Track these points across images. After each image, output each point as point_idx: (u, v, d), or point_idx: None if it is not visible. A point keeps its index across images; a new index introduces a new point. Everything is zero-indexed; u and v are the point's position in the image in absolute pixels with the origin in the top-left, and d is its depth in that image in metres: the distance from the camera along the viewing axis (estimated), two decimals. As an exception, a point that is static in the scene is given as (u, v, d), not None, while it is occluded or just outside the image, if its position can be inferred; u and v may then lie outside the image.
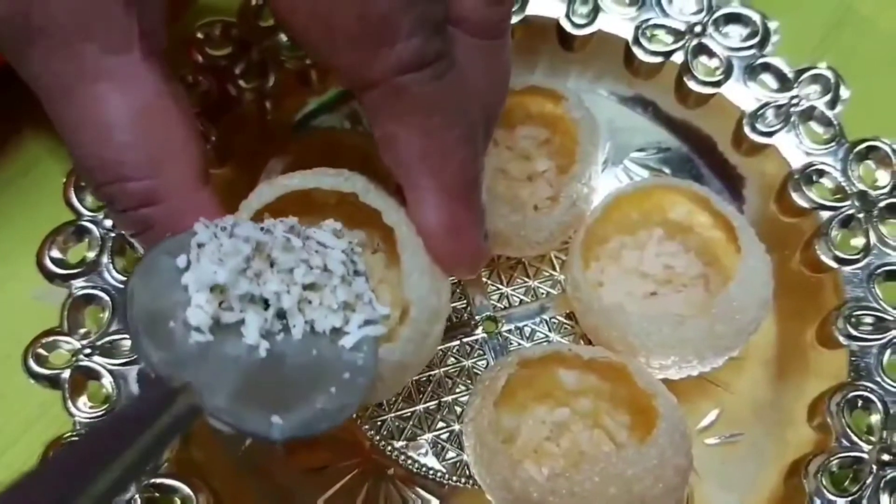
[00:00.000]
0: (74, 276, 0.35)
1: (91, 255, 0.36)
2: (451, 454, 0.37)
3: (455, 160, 0.28)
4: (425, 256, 0.29)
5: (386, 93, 0.27)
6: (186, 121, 0.29)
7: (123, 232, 0.36)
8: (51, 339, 0.34)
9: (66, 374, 0.33)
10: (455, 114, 0.28)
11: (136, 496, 0.31)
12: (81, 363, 0.34)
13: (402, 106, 0.27)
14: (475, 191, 0.29)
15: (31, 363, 0.33)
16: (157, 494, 0.32)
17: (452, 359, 0.39)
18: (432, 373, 0.38)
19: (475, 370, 0.38)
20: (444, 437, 0.37)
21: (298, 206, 0.30)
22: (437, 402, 0.38)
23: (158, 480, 0.32)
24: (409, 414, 0.37)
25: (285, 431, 0.24)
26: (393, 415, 0.37)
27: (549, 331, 0.39)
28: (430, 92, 0.27)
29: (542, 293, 0.40)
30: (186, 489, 0.32)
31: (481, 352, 0.39)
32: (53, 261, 0.35)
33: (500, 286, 0.40)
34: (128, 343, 0.34)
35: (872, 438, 0.33)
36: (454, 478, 0.36)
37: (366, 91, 0.27)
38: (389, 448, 0.37)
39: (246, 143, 0.40)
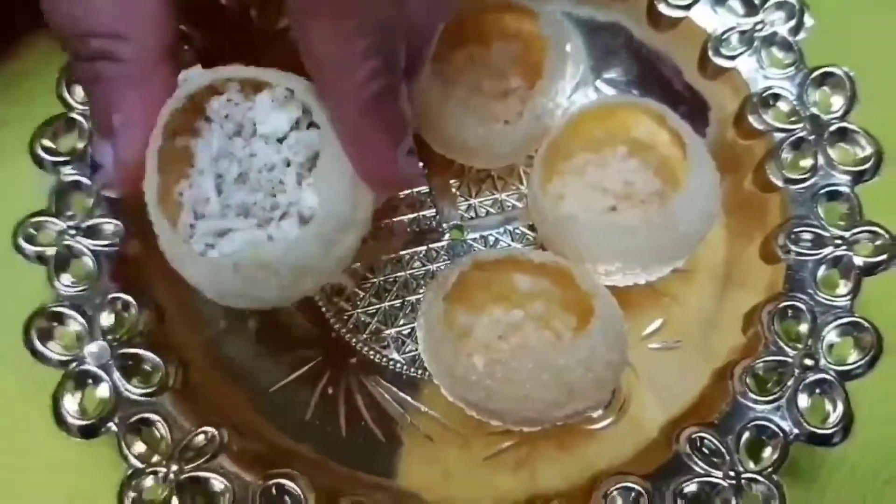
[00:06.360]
0: (63, 164, 0.37)
1: (80, 145, 0.37)
2: (410, 348, 0.38)
3: (363, 69, 0.27)
4: (347, 163, 0.29)
5: None
6: None
7: (78, 82, 0.37)
8: (40, 219, 0.36)
9: (52, 251, 0.35)
10: (372, 22, 0.26)
11: (111, 361, 0.34)
12: (66, 242, 0.35)
13: (318, 1, 0.26)
14: (386, 104, 0.28)
15: (21, 240, 0.35)
16: (130, 363, 0.34)
17: (418, 262, 0.40)
18: (398, 275, 0.40)
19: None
20: (406, 332, 0.39)
21: None
22: (401, 301, 0.40)
23: (131, 350, 0.34)
24: (374, 311, 0.39)
25: None
26: (360, 311, 0.39)
27: (512, 240, 0.41)
28: None
29: (509, 205, 0.42)
30: (156, 358, 0.34)
31: (446, 257, 0.41)
32: (44, 149, 0.37)
33: (469, 197, 0.42)
34: (109, 227, 0.36)
35: (798, 345, 0.34)
36: (412, 369, 0.38)
37: None
38: (354, 340, 0.39)
39: (230, 48, 0.41)
